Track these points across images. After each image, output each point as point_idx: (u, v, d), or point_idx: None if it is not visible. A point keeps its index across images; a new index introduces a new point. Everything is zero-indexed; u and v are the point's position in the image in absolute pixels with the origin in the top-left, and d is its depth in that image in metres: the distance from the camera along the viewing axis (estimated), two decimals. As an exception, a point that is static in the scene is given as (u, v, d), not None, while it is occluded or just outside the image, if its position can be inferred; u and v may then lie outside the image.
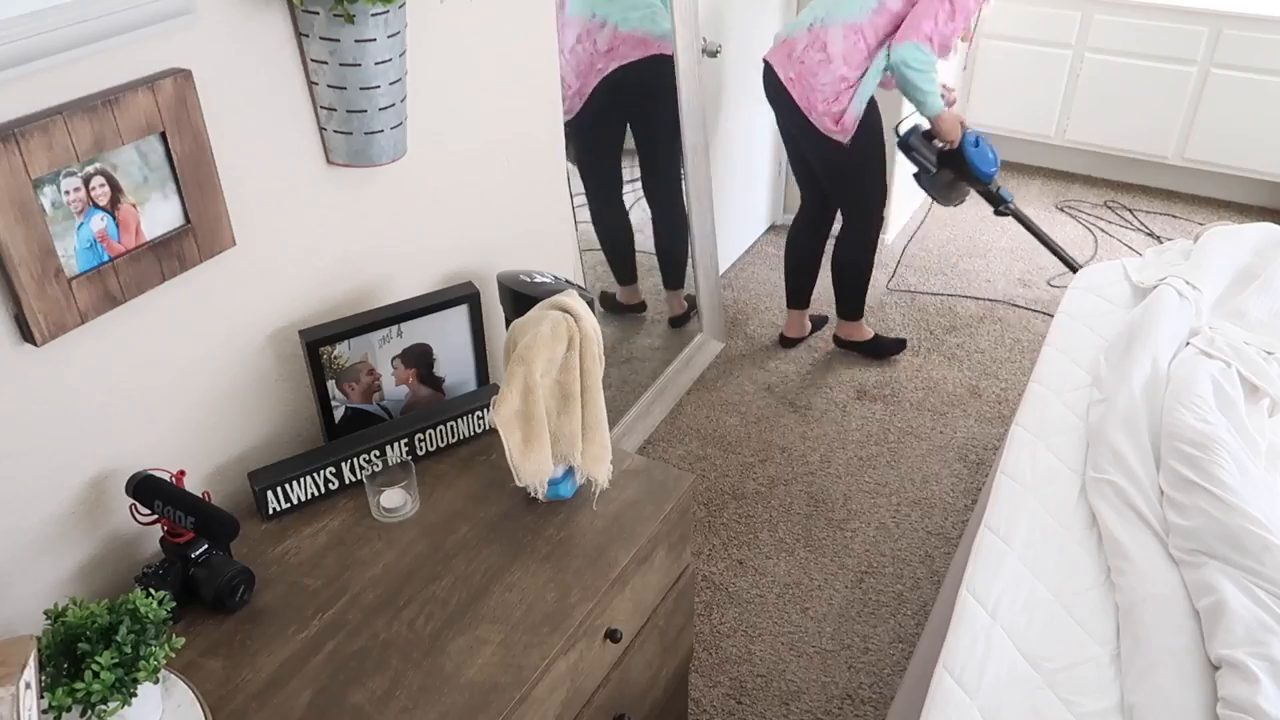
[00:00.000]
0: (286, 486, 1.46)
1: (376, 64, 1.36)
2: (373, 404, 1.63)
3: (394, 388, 1.65)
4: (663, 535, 1.52)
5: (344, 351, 1.55)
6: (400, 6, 1.34)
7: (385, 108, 1.41)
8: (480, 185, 1.81)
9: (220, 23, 1.27)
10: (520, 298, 1.58)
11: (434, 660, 1.25)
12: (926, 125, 3.02)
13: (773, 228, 4.14)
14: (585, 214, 2.90)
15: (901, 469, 2.84)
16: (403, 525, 1.47)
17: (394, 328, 1.59)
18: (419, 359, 1.65)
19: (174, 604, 1.20)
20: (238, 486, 1.52)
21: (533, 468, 1.41)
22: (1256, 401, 1.95)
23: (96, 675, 1.03)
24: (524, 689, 1.22)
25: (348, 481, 1.53)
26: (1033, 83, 4.28)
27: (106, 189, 1.18)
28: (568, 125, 2.09)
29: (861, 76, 2.74)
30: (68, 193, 1.14)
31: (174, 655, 1.11)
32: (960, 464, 2.86)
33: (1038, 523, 1.75)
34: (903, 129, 3.12)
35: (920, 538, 2.60)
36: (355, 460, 1.52)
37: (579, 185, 2.79)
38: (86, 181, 1.15)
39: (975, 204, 4.26)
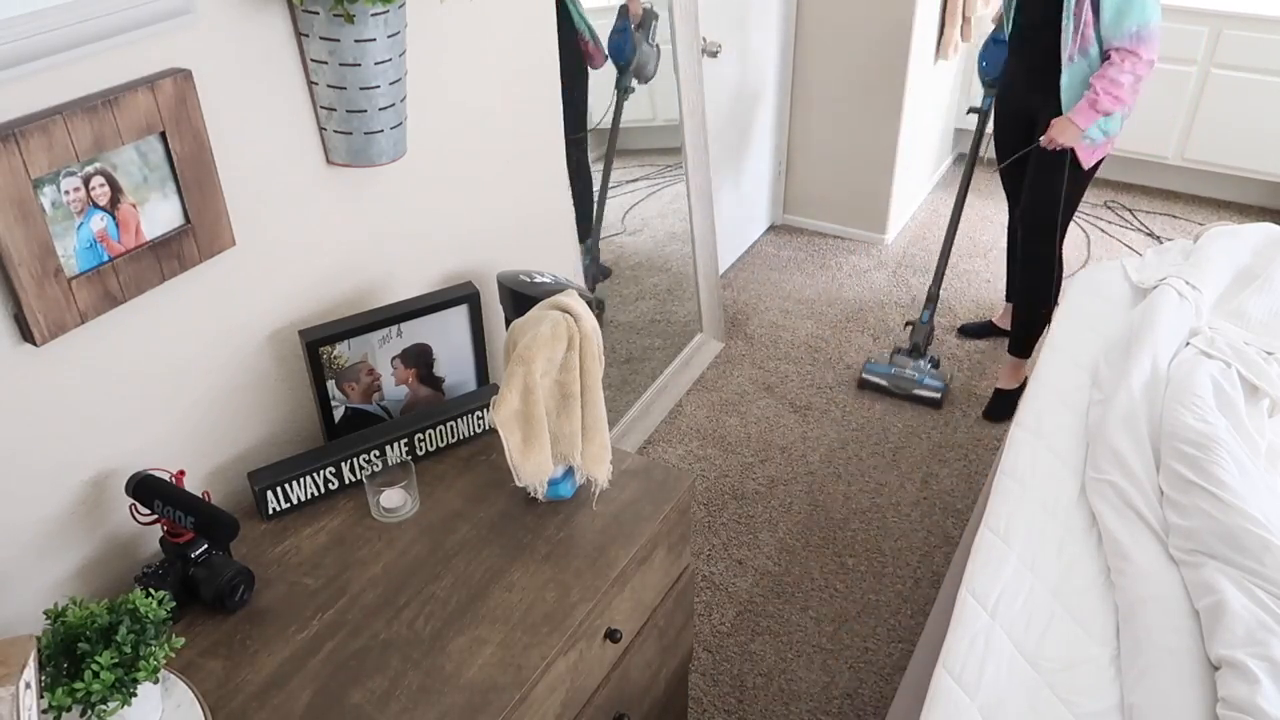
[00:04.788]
0: (286, 486, 1.46)
1: (376, 64, 1.36)
2: (373, 404, 1.63)
3: (394, 388, 1.65)
4: (662, 535, 1.52)
5: (344, 351, 1.55)
6: (400, 6, 1.34)
7: (385, 108, 1.41)
8: (480, 185, 1.81)
9: (220, 23, 1.27)
10: (520, 298, 1.58)
11: (434, 660, 1.25)
12: None
13: (772, 228, 4.14)
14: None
15: (901, 469, 2.84)
16: (402, 525, 1.47)
17: (394, 328, 1.59)
18: (419, 359, 1.65)
19: (174, 604, 1.20)
20: (238, 486, 1.52)
21: (532, 468, 1.41)
22: (1256, 401, 1.95)
23: (96, 675, 1.03)
24: (524, 689, 1.22)
25: (348, 481, 1.53)
26: (1033, 83, 4.28)
27: (106, 189, 1.18)
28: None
29: None
30: (67, 192, 1.14)
31: (174, 655, 1.11)
32: (960, 464, 2.86)
33: (1037, 523, 1.75)
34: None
35: (920, 538, 2.60)
36: (355, 460, 1.52)
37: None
38: (86, 181, 1.15)
39: (975, 204, 4.27)
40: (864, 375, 3.17)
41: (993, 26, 3.06)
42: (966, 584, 1.62)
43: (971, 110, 3.19)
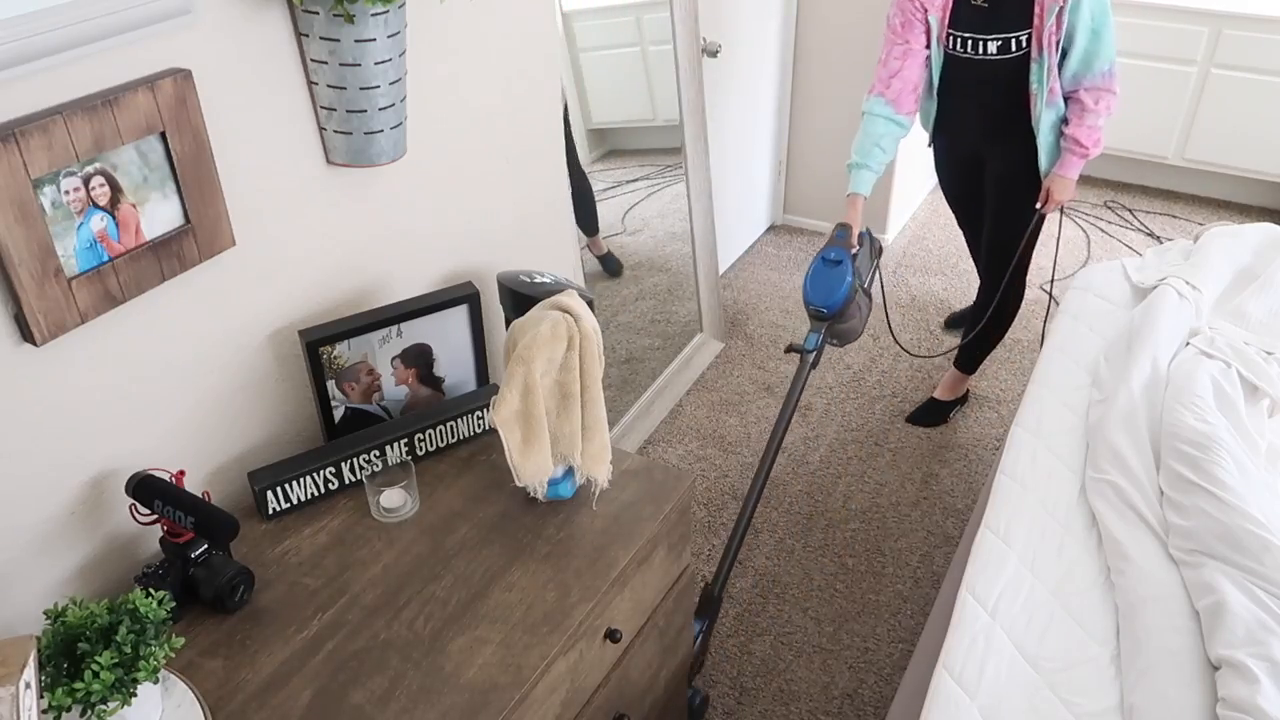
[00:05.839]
0: (286, 486, 1.46)
1: (376, 64, 1.36)
2: (373, 404, 1.63)
3: (394, 388, 1.65)
4: (662, 535, 1.52)
5: (344, 351, 1.55)
6: (400, 6, 1.34)
7: (385, 108, 1.41)
8: (480, 185, 1.81)
9: (220, 23, 1.27)
10: (520, 298, 1.58)
11: (434, 660, 1.25)
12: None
13: (772, 228, 4.14)
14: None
15: (901, 469, 2.84)
16: (402, 525, 1.47)
17: (394, 328, 1.59)
18: (419, 359, 1.65)
19: (174, 604, 1.20)
20: (238, 486, 1.52)
21: (533, 468, 1.41)
22: (1256, 402, 1.95)
23: (96, 675, 1.03)
24: (524, 689, 1.22)
25: (348, 481, 1.53)
26: (1033, 83, 4.28)
27: (106, 189, 1.18)
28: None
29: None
30: (67, 193, 1.14)
31: (174, 655, 1.11)
32: (960, 464, 2.86)
33: (1038, 523, 1.75)
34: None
35: (920, 538, 2.60)
36: (355, 460, 1.52)
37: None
38: (86, 181, 1.15)
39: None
40: None
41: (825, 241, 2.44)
42: (966, 584, 1.62)
43: (792, 349, 2.27)
